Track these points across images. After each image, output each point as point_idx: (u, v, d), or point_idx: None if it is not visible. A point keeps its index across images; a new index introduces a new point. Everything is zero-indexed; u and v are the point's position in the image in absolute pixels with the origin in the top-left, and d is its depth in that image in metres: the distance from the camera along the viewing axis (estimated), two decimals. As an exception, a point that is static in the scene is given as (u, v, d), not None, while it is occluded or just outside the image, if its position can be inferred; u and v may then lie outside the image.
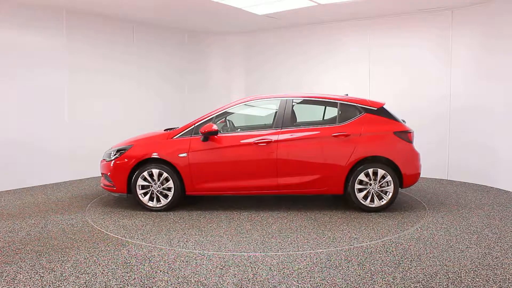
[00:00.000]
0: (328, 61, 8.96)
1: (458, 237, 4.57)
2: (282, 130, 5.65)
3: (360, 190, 5.53)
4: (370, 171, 5.48)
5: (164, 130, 6.19)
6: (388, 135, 5.57)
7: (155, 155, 5.68)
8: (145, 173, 5.69)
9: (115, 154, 5.89)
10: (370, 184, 5.51)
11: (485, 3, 7.10)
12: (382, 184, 5.51)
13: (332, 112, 5.93)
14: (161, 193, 5.73)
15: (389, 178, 5.47)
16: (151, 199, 5.74)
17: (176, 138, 5.78)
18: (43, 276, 3.60)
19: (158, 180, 5.69)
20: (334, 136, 5.57)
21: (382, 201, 5.52)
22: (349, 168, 5.52)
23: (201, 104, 9.61)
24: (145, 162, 5.75)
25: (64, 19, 7.68)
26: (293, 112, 5.83)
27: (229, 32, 10.07)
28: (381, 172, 5.47)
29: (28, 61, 7.25)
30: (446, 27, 7.65)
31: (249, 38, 10.06)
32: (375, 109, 5.68)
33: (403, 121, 5.87)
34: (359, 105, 5.72)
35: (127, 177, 5.74)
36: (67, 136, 7.81)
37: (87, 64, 8.06)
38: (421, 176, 6.00)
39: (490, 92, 7.09)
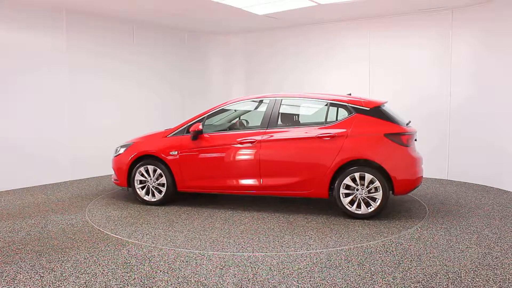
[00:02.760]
0: (328, 61, 8.95)
1: (458, 237, 4.56)
2: (267, 130, 5.57)
3: (347, 195, 5.21)
4: (357, 175, 5.13)
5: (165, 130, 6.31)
6: (377, 137, 5.15)
7: (150, 152, 5.96)
8: (142, 169, 6.01)
9: (119, 150, 6.28)
10: (357, 189, 5.16)
11: (485, 3, 7.09)
12: (370, 189, 5.12)
13: (323, 112, 5.67)
14: (156, 188, 6.00)
15: (377, 183, 5.07)
16: (147, 193, 6.03)
17: (170, 136, 5.99)
18: (43, 276, 3.61)
19: (153, 176, 5.96)
20: (318, 137, 5.30)
21: (370, 208, 5.13)
22: (333, 172, 5.21)
23: (201, 104, 9.58)
24: (143, 158, 6.04)
25: (64, 19, 7.67)
26: (280, 112, 5.67)
27: (229, 32, 10.07)
28: (368, 176, 5.09)
29: (28, 61, 7.24)
30: (446, 26, 7.65)
31: (249, 38, 10.06)
32: (368, 109, 5.28)
33: (408, 122, 5.55)
34: (349, 105, 5.36)
35: (127, 172, 6.08)
36: (67, 136, 7.81)
37: (87, 64, 8.05)
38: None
39: (490, 91, 7.09)
